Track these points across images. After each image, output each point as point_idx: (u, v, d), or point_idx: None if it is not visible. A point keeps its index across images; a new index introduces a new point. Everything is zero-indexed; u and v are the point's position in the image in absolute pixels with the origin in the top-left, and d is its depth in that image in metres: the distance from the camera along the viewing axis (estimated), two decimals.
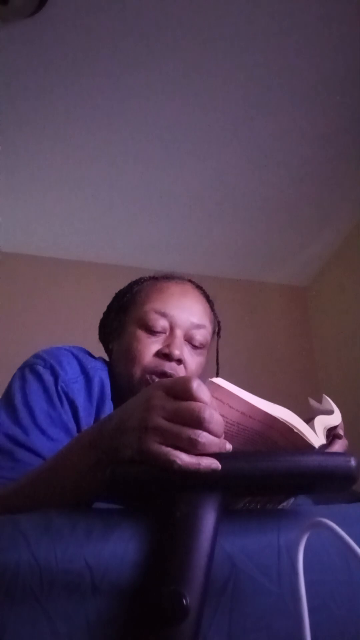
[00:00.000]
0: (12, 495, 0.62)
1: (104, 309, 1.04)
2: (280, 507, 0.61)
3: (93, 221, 2.52)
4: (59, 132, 2.04)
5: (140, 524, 0.49)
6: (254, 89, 1.94)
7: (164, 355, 0.86)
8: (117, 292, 1.04)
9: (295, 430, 0.51)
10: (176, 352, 0.86)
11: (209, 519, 0.46)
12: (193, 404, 0.48)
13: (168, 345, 0.87)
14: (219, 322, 1.02)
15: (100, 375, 0.88)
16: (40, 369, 0.83)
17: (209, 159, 2.24)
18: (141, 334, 0.89)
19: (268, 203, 2.49)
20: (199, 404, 0.48)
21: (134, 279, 1.03)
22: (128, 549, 0.46)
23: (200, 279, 1.05)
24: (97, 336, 1.04)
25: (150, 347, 0.88)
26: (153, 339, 0.88)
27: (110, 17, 1.65)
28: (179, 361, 0.87)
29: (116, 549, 0.46)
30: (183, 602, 0.42)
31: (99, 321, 1.04)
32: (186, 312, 0.91)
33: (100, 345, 1.02)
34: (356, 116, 2.07)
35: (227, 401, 0.51)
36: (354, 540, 0.40)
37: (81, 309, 2.56)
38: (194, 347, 0.91)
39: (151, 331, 0.89)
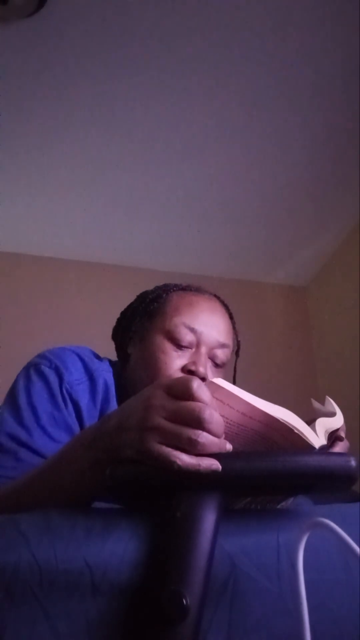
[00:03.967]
0: (12, 495, 0.62)
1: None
2: (280, 507, 0.61)
3: (93, 221, 2.52)
4: (59, 132, 2.04)
5: (140, 524, 0.49)
6: (252, 88, 1.94)
7: (189, 371, 0.86)
8: (141, 293, 1.02)
9: (295, 430, 0.51)
10: (202, 370, 0.85)
11: (209, 519, 0.46)
12: (193, 404, 0.48)
13: (194, 362, 0.86)
14: (238, 342, 1.01)
15: (105, 377, 0.87)
16: (45, 369, 0.83)
17: (209, 158, 2.24)
18: (168, 346, 0.88)
19: (268, 203, 2.49)
20: (199, 404, 0.48)
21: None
22: (128, 548, 0.46)
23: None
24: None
25: (176, 361, 0.87)
26: (179, 353, 0.88)
27: (110, 17, 1.65)
28: (204, 379, 0.86)
29: (116, 549, 0.46)
30: (183, 602, 0.42)
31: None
32: (214, 330, 0.90)
33: (103, 345, 1.01)
34: (356, 116, 2.07)
35: (227, 401, 0.51)
36: (354, 540, 0.40)
37: (81, 309, 2.57)
38: (216, 365, 0.91)
39: (178, 345, 0.88)
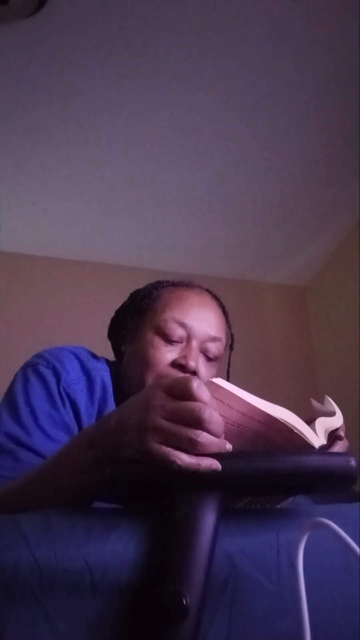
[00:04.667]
0: (11, 494, 0.62)
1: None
2: (280, 507, 0.61)
3: (93, 221, 2.52)
4: (58, 131, 2.04)
5: (140, 524, 0.49)
6: (253, 89, 1.94)
7: (180, 365, 0.86)
8: (133, 292, 1.03)
9: (295, 430, 0.51)
10: (192, 364, 0.85)
11: (209, 519, 0.46)
12: (193, 404, 0.48)
13: (184, 356, 0.86)
14: (232, 335, 1.01)
15: (102, 376, 0.87)
16: (43, 369, 0.83)
17: (209, 158, 2.24)
18: (158, 341, 0.88)
19: (268, 203, 2.49)
20: (199, 404, 0.48)
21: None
22: (128, 548, 0.46)
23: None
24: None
25: (166, 355, 0.87)
26: (170, 347, 0.88)
27: (110, 17, 1.65)
28: (194, 373, 0.86)
29: (116, 549, 0.46)
30: (183, 602, 0.42)
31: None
32: (204, 323, 0.90)
33: (101, 345, 1.02)
34: (356, 116, 2.07)
35: (227, 401, 0.51)
36: (354, 540, 0.40)
37: (81, 309, 2.56)
38: (208, 359, 0.90)
39: (168, 340, 0.88)
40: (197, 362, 0.87)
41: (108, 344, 1.02)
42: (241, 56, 1.82)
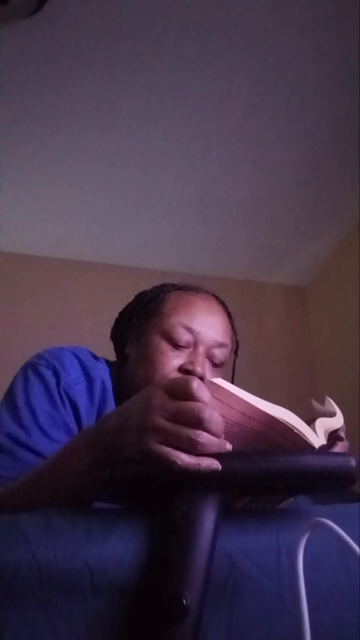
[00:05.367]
0: (11, 495, 0.62)
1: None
2: (280, 507, 0.61)
3: (93, 221, 2.52)
4: (59, 132, 2.04)
5: (140, 524, 0.49)
6: (253, 89, 1.94)
7: (187, 371, 0.85)
8: (138, 293, 1.02)
9: (295, 430, 0.51)
10: (199, 370, 0.85)
11: (209, 519, 0.46)
12: (193, 404, 0.48)
13: (191, 362, 0.86)
14: (237, 341, 1.01)
15: (102, 377, 0.87)
16: (43, 369, 0.83)
17: (209, 158, 2.24)
18: (165, 346, 0.88)
19: (268, 203, 2.49)
20: (199, 404, 0.48)
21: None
22: (128, 549, 0.46)
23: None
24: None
25: (173, 361, 0.86)
26: (177, 353, 0.87)
27: (110, 17, 1.65)
28: (202, 379, 0.85)
29: (116, 549, 0.46)
30: (183, 602, 0.42)
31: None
32: (212, 329, 0.90)
33: (102, 345, 1.01)
34: (356, 116, 2.07)
35: (227, 401, 0.51)
36: (354, 540, 0.40)
37: (81, 309, 2.57)
38: (214, 364, 0.90)
39: (175, 345, 0.87)
40: (204, 368, 0.87)
41: (108, 344, 1.02)
42: (240, 57, 1.81)
